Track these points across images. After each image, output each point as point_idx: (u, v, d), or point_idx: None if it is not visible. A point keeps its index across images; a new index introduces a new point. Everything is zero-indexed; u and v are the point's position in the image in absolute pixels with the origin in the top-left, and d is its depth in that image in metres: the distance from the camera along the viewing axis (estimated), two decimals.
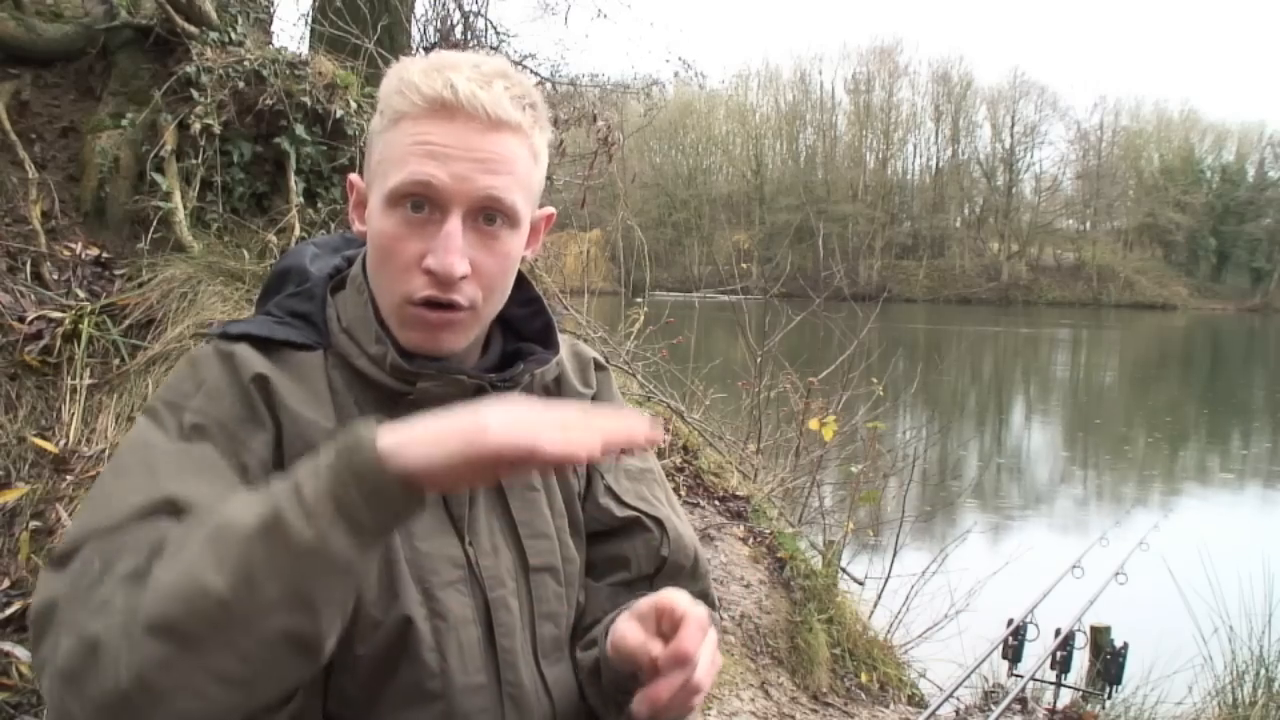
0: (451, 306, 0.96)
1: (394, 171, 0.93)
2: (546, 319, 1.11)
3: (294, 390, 0.96)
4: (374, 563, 0.81)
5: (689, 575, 1.15)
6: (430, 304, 0.95)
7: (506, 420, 0.75)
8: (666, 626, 0.90)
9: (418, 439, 0.76)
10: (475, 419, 0.75)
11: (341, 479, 0.75)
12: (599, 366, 1.19)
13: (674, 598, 0.92)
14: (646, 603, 0.93)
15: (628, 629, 0.93)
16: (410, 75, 0.93)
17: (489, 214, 0.95)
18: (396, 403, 0.99)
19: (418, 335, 0.98)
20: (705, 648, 0.90)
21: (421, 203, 0.93)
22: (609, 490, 1.13)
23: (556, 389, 1.13)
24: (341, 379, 1.00)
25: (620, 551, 1.12)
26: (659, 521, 1.13)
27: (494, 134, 0.93)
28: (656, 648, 0.89)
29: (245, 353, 0.96)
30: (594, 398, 1.16)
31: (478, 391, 1.00)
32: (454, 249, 0.92)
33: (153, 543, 0.78)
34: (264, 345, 0.98)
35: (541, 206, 1.05)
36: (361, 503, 0.75)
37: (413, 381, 0.98)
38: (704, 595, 1.17)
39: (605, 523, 1.12)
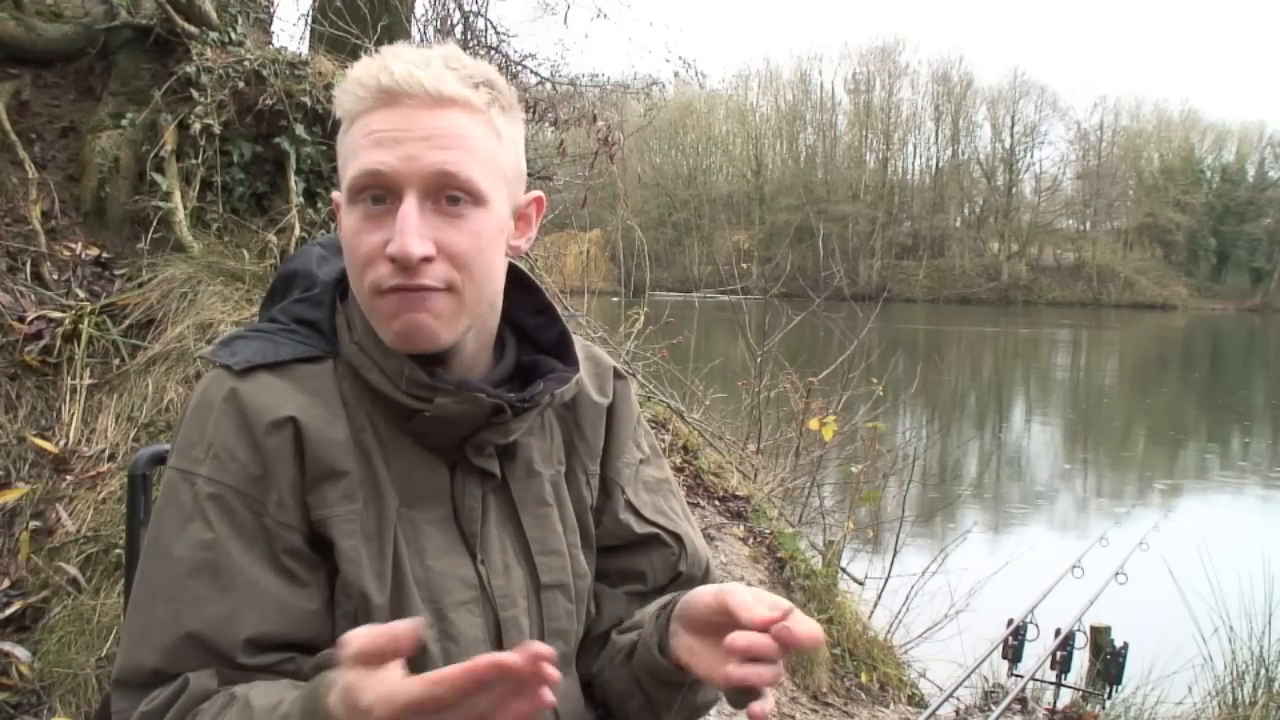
0: (422, 290, 0.92)
1: (349, 168, 0.93)
2: (562, 330, 1.08)
3: (311, 412, 0.95)
4: None
5: (698, 585, 1.14)
6: (398, 292, 0.92)
7: None
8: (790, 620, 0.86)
9: None
10: None
11: None
12: (617, 375, 1.17)
13: (798, 613, 0.87)
14: (771, 596, 0.89)
15: (741, 590, 0.88)
16: (354, 72, 0.93)
17: (450, 194, 0.92)
18: (410, 418, 0.97)
19: (397, 324, 0.93)
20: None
21: (381, 195, 0.91)
22: (629, 505, 1.11)
23: (572, 402, 1.10)
24: (352, 390, 0.98)
25: (636, 565, 1.11)
26: (678, 537, 1.12)
27: (439, 110, 0.91)
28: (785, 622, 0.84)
29: (257, 395, 0.94)
30: (610, 408, 1.14)
31: (496, 411, 0.97)
32: (409, 230, 0.89)
33: None
34: (272, 366, 0.96)
35: (527, 191, 1.02)
36: None
37: (429, 398, 0.95)
38: None
39: (624, 537, 1.10)
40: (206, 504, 0.91)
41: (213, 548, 0.90)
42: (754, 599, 0.86)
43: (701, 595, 0.93)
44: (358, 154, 0.92)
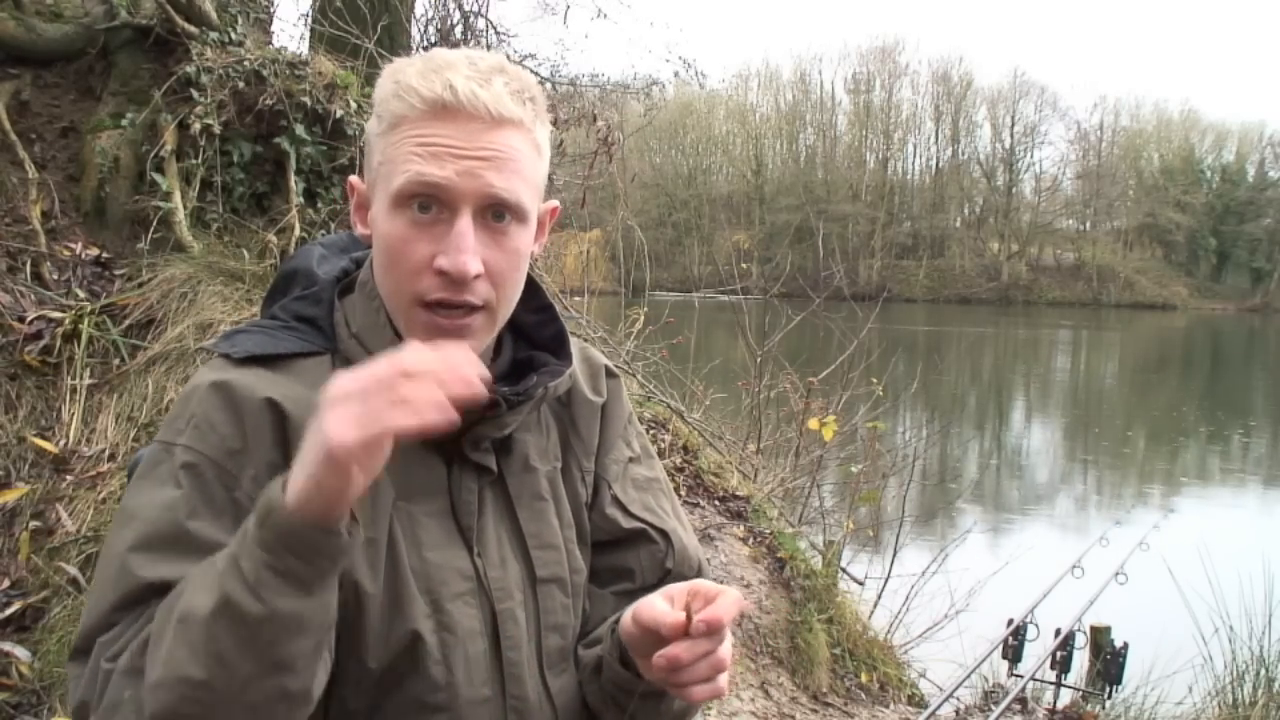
0: (465, 308, 0.94)
1: (398, 173, 0.92)
2: (558, 327, 1.09)
3: (300, 403, 0.95)
4: (332, 603, 0.84)
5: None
6: (443, 306, 0.94)
7: (344, 422, 0.76)
8: (699, 605, 0.90)
9: (295, 480, 0.79)
10: (318, 436, 0.77)
11: (269, 545, 0.79)
12: (610, 374, 1.18)
13: (707, 583, 0.92)
14: (679, 586, 0.93)
15: (655, 601, 0.92)
16: (407, 78, 0.93)
17: (497, 211, 0.94)
18: None
19: (430, 343, 0.97)
20: (728, 630, 0.90)
21: (429, 203, 0.92)
22: (615, 500, 1.12)
23: (568, 399, 1.11)
24: None
25: (625, 562, 1.11)
26: (665, 534, 1.12)
27: (497, 131, 0.92)
28: (694, 615, 0.89)
29: (246, 379, 0.95)
30: (604, 406, 1.15)
31: (491, 405, 0.98)
32: (466, 248, 0.91)
33: (142, 636, 0.85)
34: (269, 360, 0.97)
35: (545, 200, 1.04)
36: (295, 561, 0.79)
37: None
38: None
39: (611, 533, 1.11)
40: (180, 472, 0.92)
41: (176, 509, 0.90)
42: (668, 603, 0.90)
43: (625, 622, 0.96)
44: (409, 160, 0.92)
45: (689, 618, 0.87)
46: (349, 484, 0.78)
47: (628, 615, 0.96)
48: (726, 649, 0.89)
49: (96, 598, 0.91)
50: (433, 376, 0.79)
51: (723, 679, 0.90)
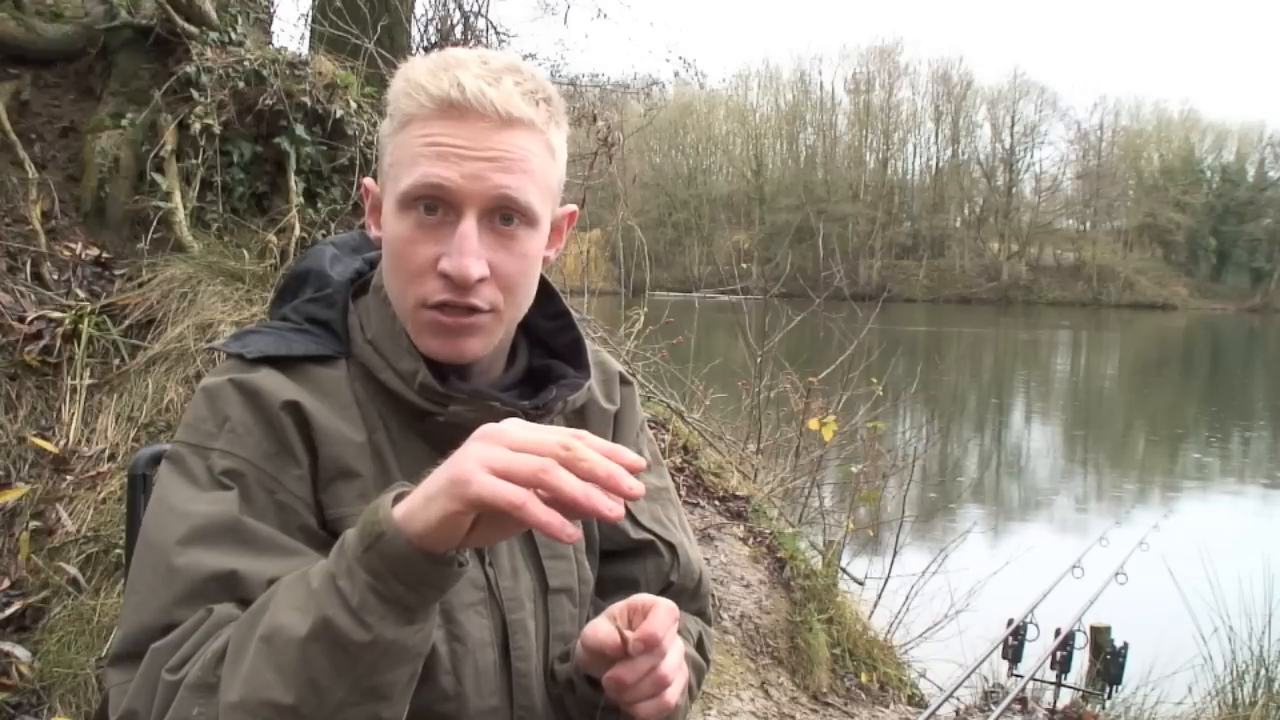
0: (470, 310, 0.93)
1: (405, 174, 0.91)
2: (575, 335, 1.08)
3: (321, 408, 0.94)
4: (431, 631, 0.81)
5: (690, 595, 1.15)
6: (447, 307, 0.92)
7: (489, 474, 0.71)
8: (637, 621, 0.91)
9: (417, 506, 0.74)
10: (462, 470, 0.72)
11: (375, 570, 0.74)
12: (624, 381, 1.17)
13: (645, 596, 0.93)
14: (620, 604, 0.94)
15: (599, 624, 0.92)
16: (417, 76, 0.91)
17: (505, 214, 0.92)
18: (423, 419, 0.97)
19: (436, 342, 0.95)
20: (674, 641, 0.90)
21: (435, 205, 0.90)
22: (625, 510, 1.11)
23: (582, 411, 1.10)
24: (365, 391, 0.98)
25: (630, 573, 1.11)
26: (672, 547, 1.12)
27: (506, 131, 0.90)
28: (627, 634, 0.90)
29: (267, 380, 0.94)
30: (617, 414, 1.14)
31: (508, 417, 0.98)
32: (469, 251, 0.90)
33: (215, 649, 0.79)
34: (283, 362, 0.96)
35: (562, 204, 1.03)
36: (402, 589, 0.75)
37: (443, 404, 0.95)
38: (700, 613, 1.17)
39: (619, 543, 1.11)
40: (222, 478, 0.89)
41: (227, 504, 0.88)
42: (610, 622, 0.91)
43: (577, 648, 0.97)
44: (416, 161, 0.90)
45: (624, 639, 0.88)
46: (464, 531, 0.74)
47: (577, 646, 0.96)
48: (671, 662, 0.90)
49: (143, 598, 0.86)
50: (591, 470, 0.72)
51: (670, 693, 0.90)
